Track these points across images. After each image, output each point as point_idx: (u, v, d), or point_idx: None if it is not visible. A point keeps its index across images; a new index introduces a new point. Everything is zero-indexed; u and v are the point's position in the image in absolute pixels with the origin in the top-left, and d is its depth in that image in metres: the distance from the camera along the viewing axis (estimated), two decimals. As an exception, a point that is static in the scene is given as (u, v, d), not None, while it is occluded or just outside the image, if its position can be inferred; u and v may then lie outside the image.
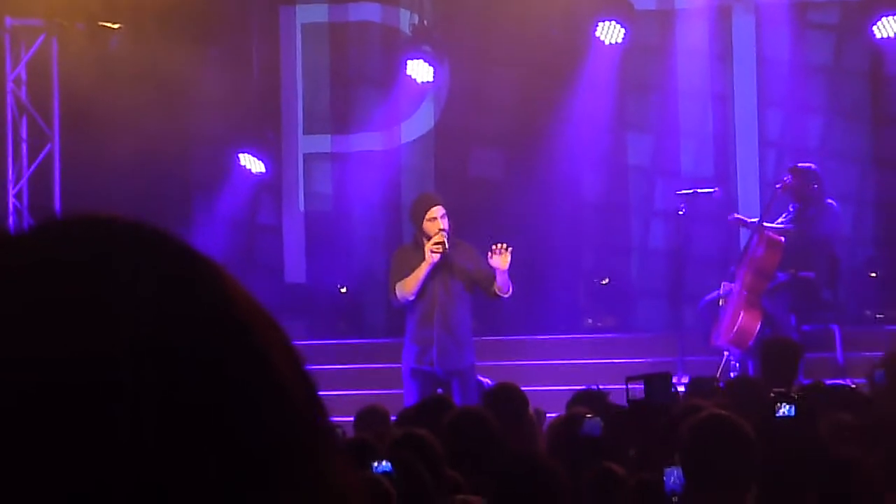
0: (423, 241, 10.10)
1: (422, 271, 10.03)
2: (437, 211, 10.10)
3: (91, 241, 0.96)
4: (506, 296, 10.14)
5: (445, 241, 10.03)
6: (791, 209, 12.10)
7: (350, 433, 7.50)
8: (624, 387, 7.21)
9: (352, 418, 8.28)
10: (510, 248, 10.02)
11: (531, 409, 7.58)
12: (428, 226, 10.08)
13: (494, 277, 10.04)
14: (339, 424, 7.57)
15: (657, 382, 6.86)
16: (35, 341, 0.91)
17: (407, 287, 10.10)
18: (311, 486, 0.95)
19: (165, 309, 0.93)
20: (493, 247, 10.04)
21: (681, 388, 8.44)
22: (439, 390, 10.02)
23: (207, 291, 0.96)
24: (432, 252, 10.00)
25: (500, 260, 9.98)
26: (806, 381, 8.84)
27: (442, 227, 10.05)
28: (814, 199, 11.94)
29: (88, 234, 0.96)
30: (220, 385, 0.93)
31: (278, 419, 0.95)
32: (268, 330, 0.98)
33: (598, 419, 5.90)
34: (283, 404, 0.96)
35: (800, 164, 12.12)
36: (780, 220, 12.09)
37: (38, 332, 0.91)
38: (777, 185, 12.09)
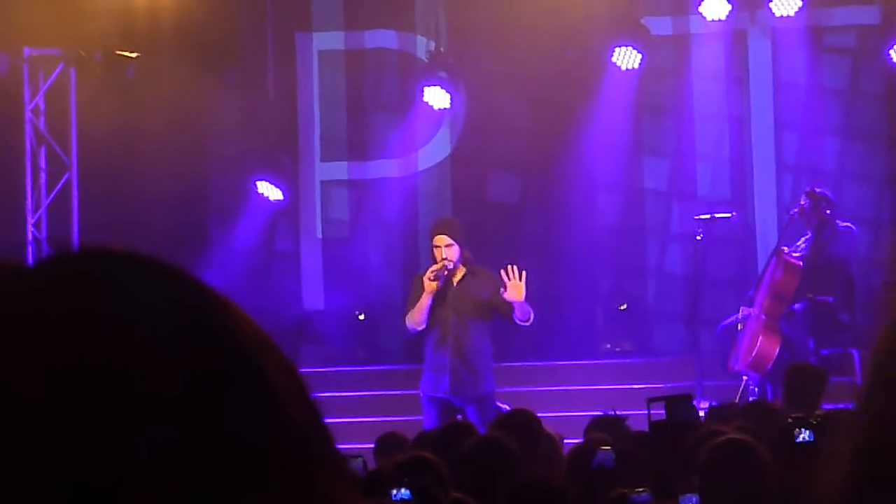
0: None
1: (424, 301, 10.10)
2: (439, 240, 10.18)
3: (104, 271, 0.97)
4: (527, 324, 10.13)
5: (444, 269, 10.06)
6: (808, 233, 12.09)
7: (370, 459, 7.49)
8: (644, 412, 7.19)
9: (371, 445, 8.28)
10: (524, 273, 10.00)
11: (548, 434, 7.56)
12: (434, 253, 10.20)
13: (507, 310, 10.03)
14: (358, 453, 7.57)
15: (679, 404, 6.84)
16: (46, 356, 0.93)
17: (413, 317, 10.18)
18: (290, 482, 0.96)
19: (174, 335, 0.95)
20: (506, 273, 10.00)
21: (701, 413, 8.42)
22: (459, 416, 10.01)
23: (214, 319, 0.98)
24: (430, 280, 10.07)
25: (515, 292, 9.95)
26: (825, 406, 8.81)
27: (443, 255, 10.11)
28: (828, 222, 11.93)
29: (101, 265, 0.98)
30: (224, 411, 0.94)
31: (282, 448, 0.96)
32: (275, 359, 0.99)
33: (610, 451, 5.87)
34: (288, 432, 0.97)
35: (816, 189, 12.10)
36: (798, 243, 12.08)
37: (49, 347, 0.93)
38: (793, 211, 12.07)
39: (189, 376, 0.94)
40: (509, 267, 10.01)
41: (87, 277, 0.97)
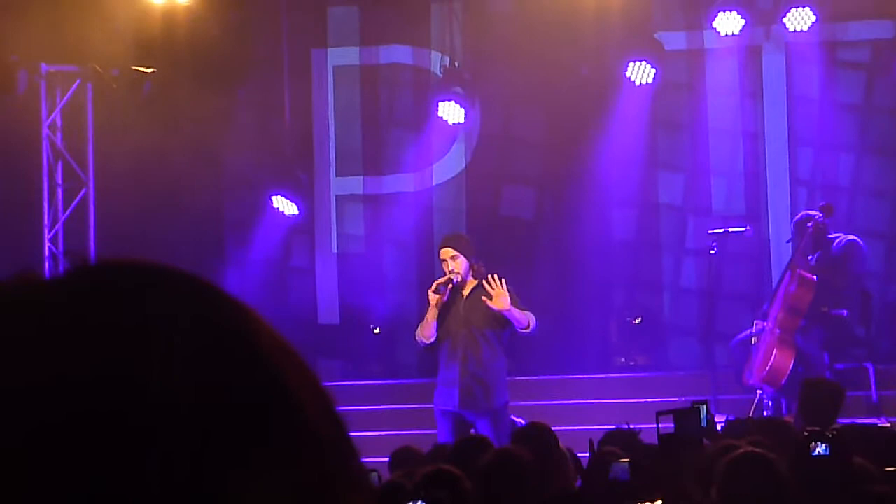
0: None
1: (430, 315, 10.13)
2: (444, 253, 10.23)
3: (127, 283, 0.97)
4: (527, 332, 10.10)
5: (449, 282, 10.10)
6: (820, 248, 12.10)
7: (385, 474, 7.52)
8: (655, 426, 7.21)
9: (386, 459, 8.31)
10: (503, 280, 9.99)
11: (562, 448, 7.58)
12: (444, 268, 10.24)
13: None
14: (374, 467, 7.59)
15: (687, 417, 6.85)
16: (65, 367, 0.92)
17: (421, 331, 10.22)
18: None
19: (198, 347, 0.94)
20: (489, 283, 10.01)
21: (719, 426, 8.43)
22: (473, 430, 10.02)
23: (237, 331, 0.97)
24: (433, 293, 10.11)
25: (498, 302, 9.95)
26: (840, 420, 8.81)
27: (450, 268, 10.14)
28: (823, 233, 11.96)
29: (124, 275, 0.98)
30: (248, 426, 0.93)
31: (307, 465, 0.95)
32: (299, 372, 0.98)
33: (625, 464, 5.88)
34: (314, 449, 0.96)
35: (820, 203, 12.14)
36: (809, 258, 12.08)
37: (67, 358, 0.92)
38: (809, 225, 12.08)
39: (210, 389, 0.93)
40: (490, 277, 10.01)
41: (107, 288, 0.96)
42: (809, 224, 12.02)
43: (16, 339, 0.94)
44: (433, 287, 10.18)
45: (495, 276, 10.00)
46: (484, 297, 9.96)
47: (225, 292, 0.99)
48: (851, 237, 12.15)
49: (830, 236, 12.09)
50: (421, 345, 10.33)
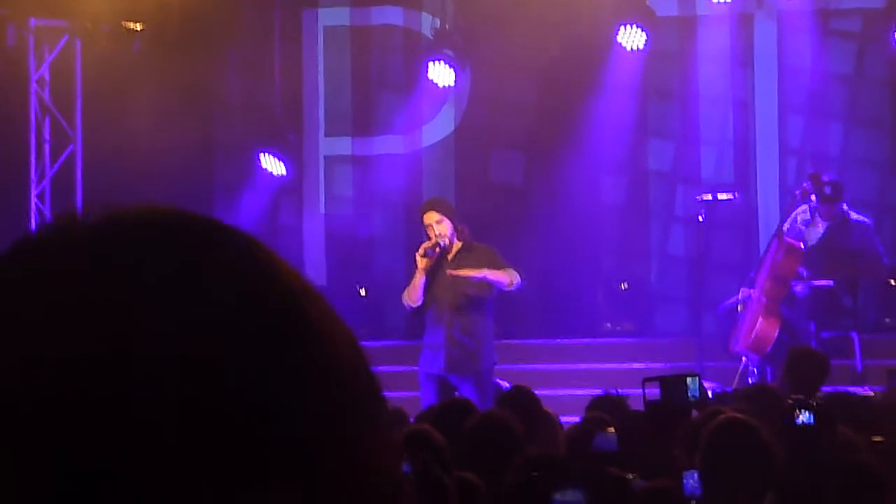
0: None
1: (417, 279, 10.17)
2: (429, 218, 10.23)
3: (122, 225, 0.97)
4: (512, 289, 10.18)
5: (436, 246, 10.11)
6: (810, 217, 12.11)
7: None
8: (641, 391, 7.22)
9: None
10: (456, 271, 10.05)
11: (547, 412, 7.59)
12: (426, 232, 10.23)
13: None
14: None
15: (673, 384, 6.86)
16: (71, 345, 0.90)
17: (408, 295, 10.25)
18: (354, 476, 0.92)
19: (203, 281, 0.92)
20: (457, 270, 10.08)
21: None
22: (456, 393, 10.05)
23: (250, 261, 0.93)
24: (420, 256, 10.12)
25: (467, 273, 10.03)
26: (825, 389, 8.83)
27: (437, 232, 10.15)
28: (841, 212, 11.98)
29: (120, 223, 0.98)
30: (264, 363, 0.90)
31: (327, 401, 0.92)
32: (317, 302, 0.94)
33: (612, 434, 5.85)
34: (335, 384, 0.92)
35: (823, 175, 12.12)
36: (797, 224, 12.07)
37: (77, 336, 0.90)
38: (796, 192, 12.09)
39: (225, 324, 0.90)
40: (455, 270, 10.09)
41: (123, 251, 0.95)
42: (797, 192, 12.04)
43: (9, 317, 0.91)
44: (421, 251, 10.18)
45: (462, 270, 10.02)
46: (459, 272, 10.01)
47: (230, 225, 0.96)
48: (860, 217, 12.16)
49: (854, 216, 12.07)
50: (408, 308, 10.35)
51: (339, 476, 0.92)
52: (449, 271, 10.07)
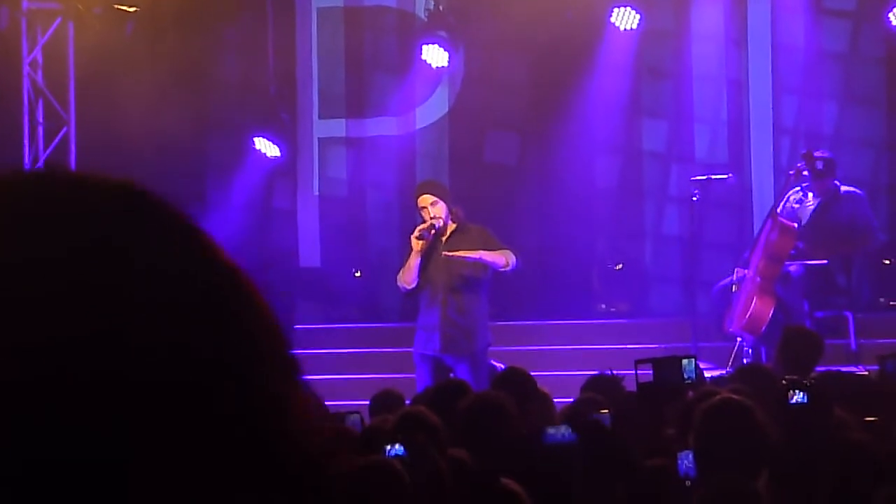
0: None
1: (412, 261, 10.18)
2: (424, 201, 10.23)
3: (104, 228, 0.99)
4: (508, 270, 10.19)
5: (431, 228, 10.12)
6: (800, 191, 12.11)
7: (366, 417, 7.54)
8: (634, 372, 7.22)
9: (366, 402, 8.32)
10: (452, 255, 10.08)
11: (542, 393, 7.59)
12: (421, 215, 10.23)
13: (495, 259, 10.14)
14: (355, 409, 7.61)
15: (666, 366, 6.87)
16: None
17: (403, 276, 10.26)
18: (274, 446, 0.96)
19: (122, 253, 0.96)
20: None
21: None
22: (451, 374, 10.06)
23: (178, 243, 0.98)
24: (416, 239, 10.13)
25: (462, 255, 10.04)
26: (819, 368, 8.84)
27: (431, 215, 10.15)
28: (832, 187, 11.99)
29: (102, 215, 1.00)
30: (184, 336, 0.94)
31: (247, 375, 0.96)
32: (238, 278, 0.99)
33: (563, 429, 5.74)
34: (254, 359, 0.97)
35: (815, 152, 12.12)
36: (791, 204, 12.07)
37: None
38: (790, 172, 12.09)
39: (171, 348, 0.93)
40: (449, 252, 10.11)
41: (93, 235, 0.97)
42: (791, 172, 12.04)
43: None
44: (416, 233, 10.19)
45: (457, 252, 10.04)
46: (455, 254, 10.02)
47: (169, 204, 1.00)
48: (850, 189, 12.16)
49: (844, 188, 12.07)
50: (403, 290, 10.36)
51: (261, 444, 0.96)
52: (444, 253, 10.09)
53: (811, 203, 12.07)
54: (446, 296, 10.20)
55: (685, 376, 6.72)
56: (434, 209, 10.20)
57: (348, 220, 14.23)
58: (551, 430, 5.54)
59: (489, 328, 10.45)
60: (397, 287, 10.56)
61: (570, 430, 5.53)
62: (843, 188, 12.12)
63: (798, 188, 12.11)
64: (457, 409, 6.33)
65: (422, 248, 10.14)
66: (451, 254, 10.07)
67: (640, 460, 5.60)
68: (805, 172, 11.91)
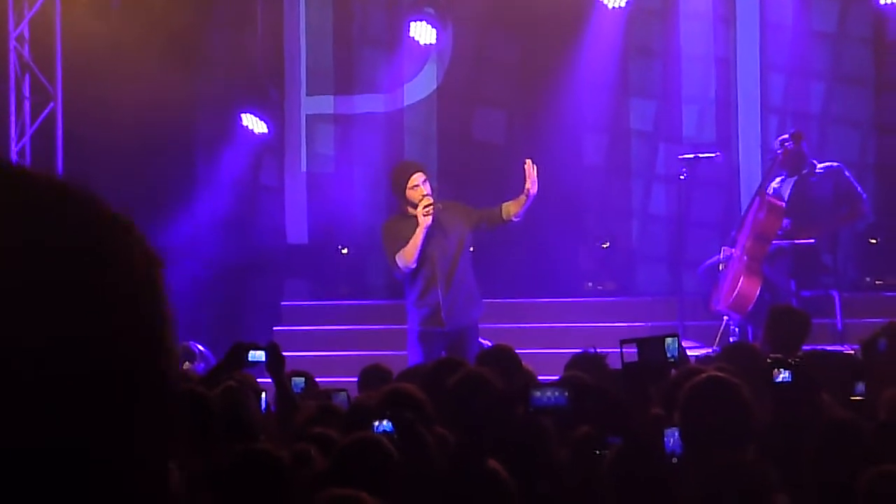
0: (407, 210, 10.19)
1: (418, 237, 10.13)
2: (419, 178, 10.22)
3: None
4: (518, 219, 10.23)
5: (433, 203, 10.14)
6: (783, 173, 12.11)
7: (354, 393, 7.54)
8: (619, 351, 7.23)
9: (354, 379, 8.33)
10: (534, 166, 10.27)
11: (526, 371, 7.60)
12: (411, 193, 10.19)
13: (496, 212, 10.30)
14: (343, 387, 7.61)
15: (650, 345, 6.87)
16: None
17: (407, 255, 10.19)
18: (159, 408, 1.03)
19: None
20: (528, 169, 10.26)
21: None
22: (443, 353, 10.07)
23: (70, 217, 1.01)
24: (424, 216, 10.10)
25: (534, 184, 10.23)
26: (805, 347, 8.87)
27: (426, 192, 10.16)
28: (805, 160, 11.99)
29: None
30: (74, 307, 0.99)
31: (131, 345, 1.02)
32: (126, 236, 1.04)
33: (555, 391, 5.73)
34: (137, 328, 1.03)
35: (791, 130, 12.15)
36: (774, 184, 12.07)
37: None
38: (778, 151, 12.09)
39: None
40: (528, 161, 10.24)
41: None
42: (779, 151, 12.03)
43: None
44: (423, 210, 10.12)
45: (529, 160, 10.36)
46: (531, 187, 10.26)
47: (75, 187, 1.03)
48: (828, 163, 12.15)
49: (820, 164, 12.08)
50: (405, 270, 10.25)
51: (139, 399, 1.02)
52: (531, 185, 10.11)
53: (788, 182, 12.07)
54: (444, 271, 10.23)
55: (668, 355, 6.72)
56: (426, 186, 10.24)
57: (335, 197, 14.22)
58: (537, 393, 5.55)
59: (482, 298, 10.55)
60: (384, 264, 10.54)
61: (557, 391, 5.53)
62: (819, 165, 12.11)
63: (781, 176, 12.12)
64: (444, 386, 6.34)
65: (428, 225, 10.15)
66: (534, 192, 10.13)
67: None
68: (779, 152, 11.92)
